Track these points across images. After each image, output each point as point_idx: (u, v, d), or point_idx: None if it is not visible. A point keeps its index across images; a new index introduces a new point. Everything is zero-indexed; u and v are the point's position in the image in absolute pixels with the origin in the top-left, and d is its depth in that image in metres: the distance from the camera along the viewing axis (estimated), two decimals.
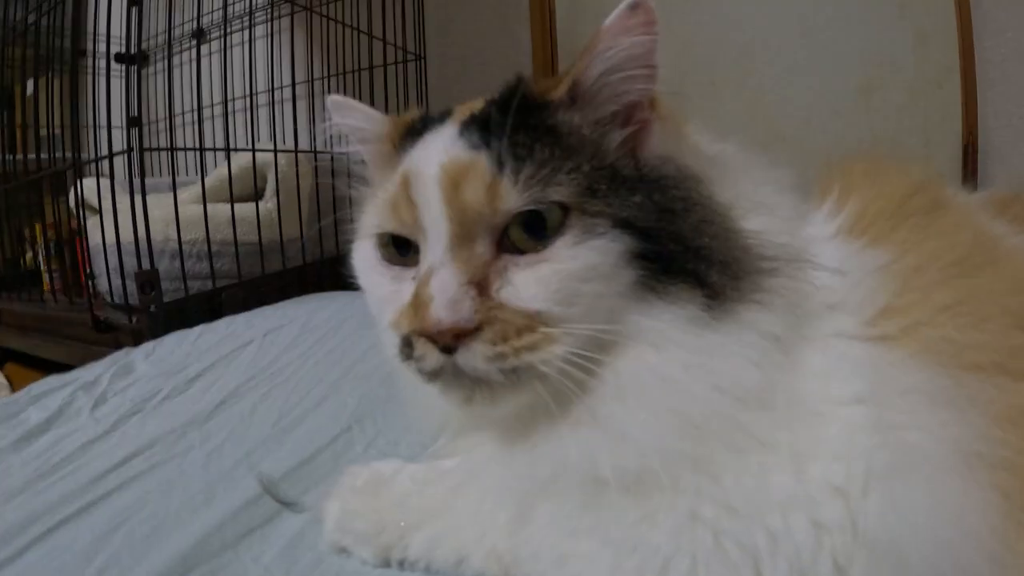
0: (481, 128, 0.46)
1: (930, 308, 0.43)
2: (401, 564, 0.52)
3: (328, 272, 1.82)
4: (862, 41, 2.03)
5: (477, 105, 0.50)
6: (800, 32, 2.12)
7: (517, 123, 0.45)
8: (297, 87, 2.19)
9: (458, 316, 0.42)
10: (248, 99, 2.02)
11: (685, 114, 0.53)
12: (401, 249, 0.49)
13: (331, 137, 0.58)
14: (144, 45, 2.71)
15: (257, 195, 1.96)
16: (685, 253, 0.44)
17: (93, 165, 1.84)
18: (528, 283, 0.43)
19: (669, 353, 0.43)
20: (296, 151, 1.99)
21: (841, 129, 1.97)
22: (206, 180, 1.91)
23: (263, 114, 2.15)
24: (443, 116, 0.52)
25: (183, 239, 1.75)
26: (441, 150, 0.46)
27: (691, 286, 0.43)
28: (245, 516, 0.61)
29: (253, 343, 1.17)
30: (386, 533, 0.52)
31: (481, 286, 0.43)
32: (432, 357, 0.44)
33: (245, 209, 1.88)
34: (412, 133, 0.51)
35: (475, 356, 0.42)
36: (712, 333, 0.43)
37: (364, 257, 0.52)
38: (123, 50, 1.72)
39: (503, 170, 0.43)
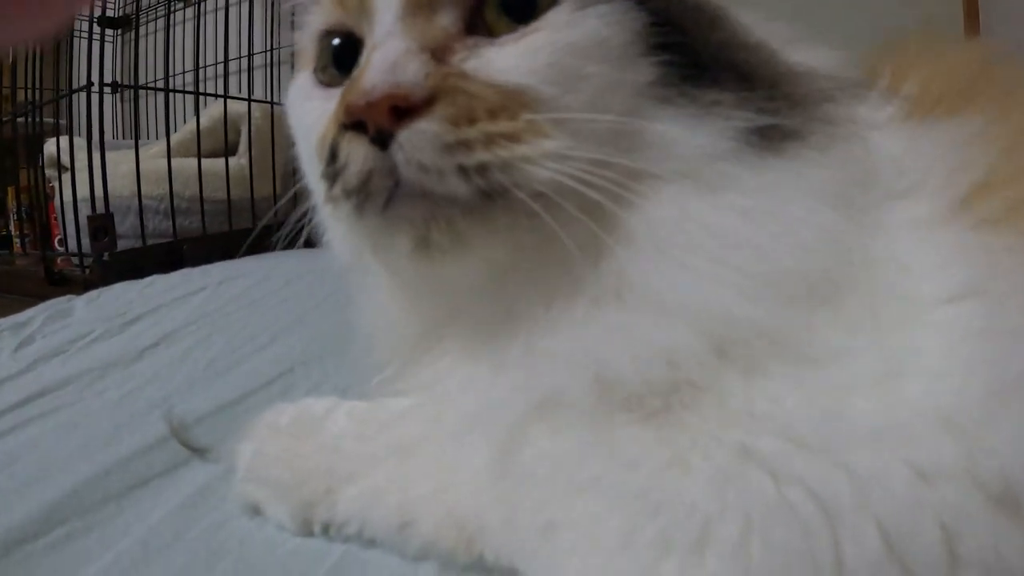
0: None
1: None
2: (326, 529, 0.40)
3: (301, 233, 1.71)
4: (866, 24, 1.95)
5: None
6: (802, 12, 2.04)
7: None
8: (280, 49, 2.06)
9: (399, 78, 0.29)
10: (226, 64, 1.89)
11: None
12: (343, 63, 0.37)
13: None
14: (129, 8, 2.62)
15: (228, 150, 1.84)
16: (719, 66, 0.33)
17: (62, 120, 1.74)
18: (508, 55, 0.32)
19: (719, 195, 0.32)
20: (272, 102, 1.87)
21: None
22: (176, 133, 1.81)
23: (243, 79, 2.02)
24: None
25: (150, 194, 1.64)
26: None
27: (735, 97, 0.32)
28: (141, 462, 0.49)
29: (205, 290, 1.06)
30: (310, 484, 0.40)
31: (438, 53, 0.31)
32: (359, 156, 0.31)
33: (215, 164, 1.76)
34: None
35: (422, 143, 0.30)
36: (776, 163, 0.32)
37: (298, 88, 0.41)
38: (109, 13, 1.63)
39: None
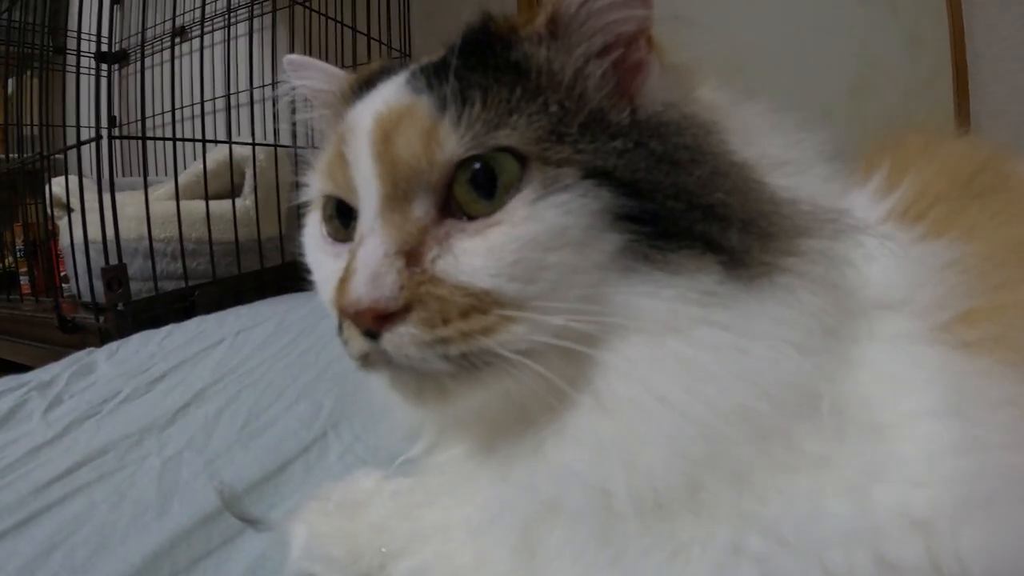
0: (434, 72, 0.39)
1: (1019, 311, 0.36)
2: None
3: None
4: (854, 41, 2.01)
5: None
6: (792, 32, 2.09)
7: (474, 63, 0.38)
8: (279, 84, 2.10)
9: (378, 294, 0.34)
10: (227, 97, 1.93)
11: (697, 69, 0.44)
12: (345, 220, 0.42)
13: (292, 103, 0.51)
14: (125, 43, 2.66)
15: (234, 191, 1.88)
16: (691, 212, 0.35)
17: (68, 163, 1.78)
18: (475, 252, 0.35)
19: (687, 334, 0.35)
20: (276, 145, 1.91)
21: (832, 129, 1.94)
22: (181, 176, 1.84)
23: (243, 113, 2.06)
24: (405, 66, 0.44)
25: (157, 237, 1.68)
26: (383, 99, 0.39)
27: (700, 253, 0.35)
28: (201, 535, 0.52)
29: (224, 343, 1.09)
30: (363, 561, 0.44)
31: (413, 256, 0.36)
32: (356, 342, 0.36)
33: (221, 206, 1.80)
34: (366, 86, 0.44)
35: (404, 342, 0.35)
36: (740, 307, 0.35)
37: (310, 234, 0.46)
38: (105, 48, 1.66)
39: (444, 112, 0.36)
